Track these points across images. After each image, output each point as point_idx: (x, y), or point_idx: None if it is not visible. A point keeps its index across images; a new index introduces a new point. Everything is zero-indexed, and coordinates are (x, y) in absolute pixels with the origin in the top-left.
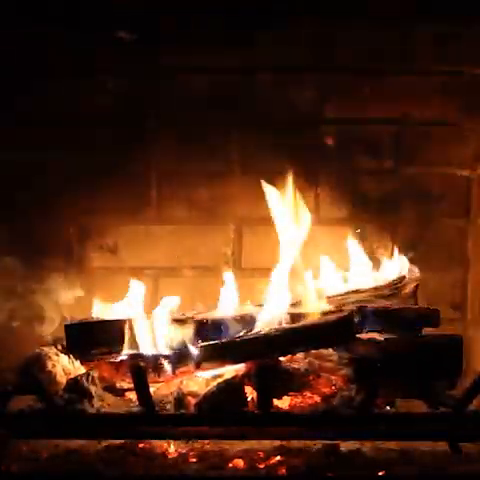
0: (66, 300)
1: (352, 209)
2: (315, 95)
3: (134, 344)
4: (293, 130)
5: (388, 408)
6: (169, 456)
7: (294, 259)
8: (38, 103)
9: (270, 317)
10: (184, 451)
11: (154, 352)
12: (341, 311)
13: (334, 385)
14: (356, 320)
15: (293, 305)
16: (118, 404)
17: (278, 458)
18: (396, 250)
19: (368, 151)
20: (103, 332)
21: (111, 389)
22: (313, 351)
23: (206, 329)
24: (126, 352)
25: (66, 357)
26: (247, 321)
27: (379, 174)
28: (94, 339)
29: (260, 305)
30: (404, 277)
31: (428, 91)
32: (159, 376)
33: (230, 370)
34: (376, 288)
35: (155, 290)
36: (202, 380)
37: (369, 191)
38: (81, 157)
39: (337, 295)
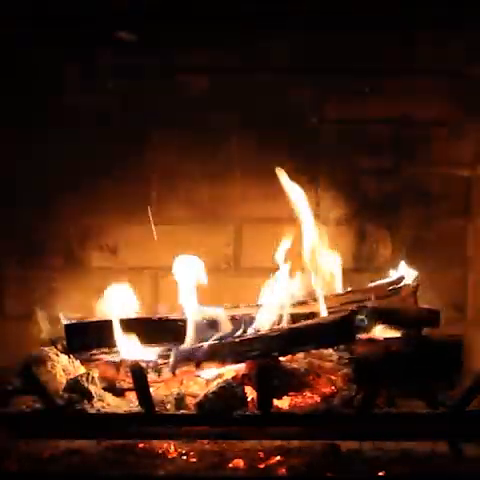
0: (66, 300)
1: (352, 209)
2: (315, 95)
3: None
4: (293, 130)
5: (388, 408)
6: (169, 456)
7: (293, 259)
8: (38, 103)
9: (270, 317)
10: (184, 451)
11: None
12: (341, 311)
13: (334, 385)
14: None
15: (293, 305)
16: (118, 404)
17: (278, 458)
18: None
19: (368, 151)
20: (103, 332)
21: (111, 389)
22: (313, 351)
23: (207, 329)
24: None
25: (66, 357)
26: (247, 321)
27: (379, 174)
28: (94, 339)
29: (260, 305)
30: (403, 277)
31: (428, 91)
32: (159, 376)
33: (230, 370)
34: (376, 288)
35: (155, 290)
36: (202, 380)
37: (369, 191)
38: (81, 157)
39: (337, 295)
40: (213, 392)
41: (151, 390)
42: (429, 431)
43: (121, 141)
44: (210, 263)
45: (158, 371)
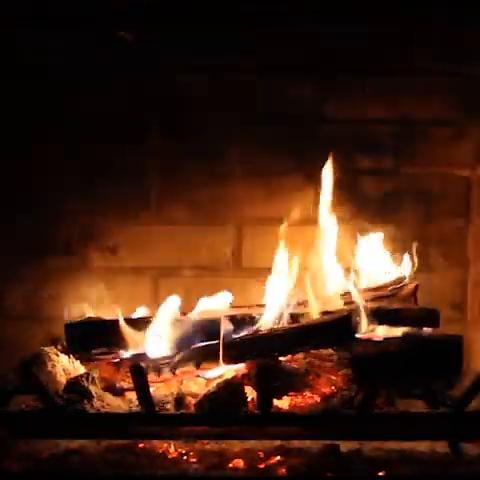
0: (66, 300)
1: (352, 209)
2: (315, 95)
3: (134, 344)
4: (293, 130)
5: (388, 408)
6: (169, 456)
7: (294, 259)
8: (38, 103)
9: (270, 317)
10: (184, 451)
11: (154, 352)
12: (341, 311)
13: (334, 385)
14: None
15: (293, 305)
16: (118, 404)
17: (278, 458)
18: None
19: (368, 151)
20: (103, 332)
21: (111, 389)
22: (313, 351)
23: (207, 329)
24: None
25: (66, 357)
26: (247, 321)
27: (379, 174)
28: (94, 339)
29: (260, 305)
30: (404, 277)
31: (428, 91)
32: (159, 376)
33: (230, 370)
34: (376, 288)
35: (155, 290)
36: (202, 380)
37: (369, 191)
38: (81, 157)
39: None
40: (213, 392)
41: (151, 390)
42: (429, 431)
43: (121, 141)
44: (210, 263)
45: (158, 371)
